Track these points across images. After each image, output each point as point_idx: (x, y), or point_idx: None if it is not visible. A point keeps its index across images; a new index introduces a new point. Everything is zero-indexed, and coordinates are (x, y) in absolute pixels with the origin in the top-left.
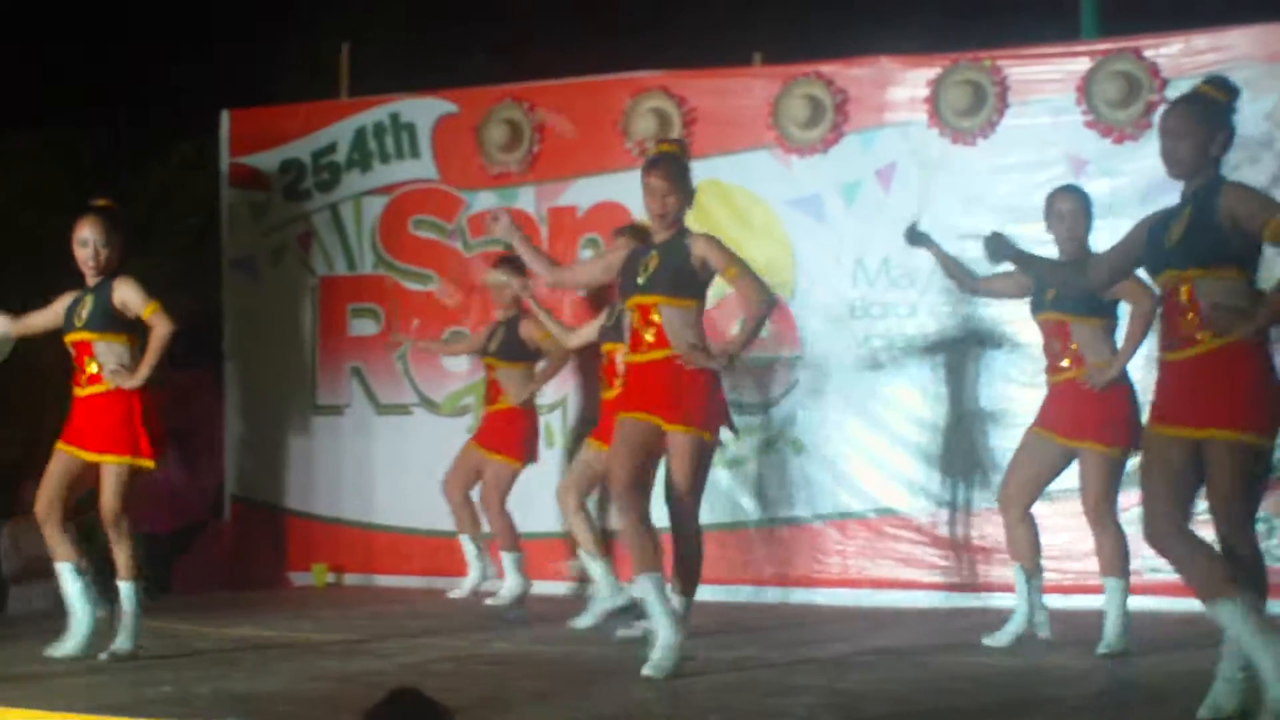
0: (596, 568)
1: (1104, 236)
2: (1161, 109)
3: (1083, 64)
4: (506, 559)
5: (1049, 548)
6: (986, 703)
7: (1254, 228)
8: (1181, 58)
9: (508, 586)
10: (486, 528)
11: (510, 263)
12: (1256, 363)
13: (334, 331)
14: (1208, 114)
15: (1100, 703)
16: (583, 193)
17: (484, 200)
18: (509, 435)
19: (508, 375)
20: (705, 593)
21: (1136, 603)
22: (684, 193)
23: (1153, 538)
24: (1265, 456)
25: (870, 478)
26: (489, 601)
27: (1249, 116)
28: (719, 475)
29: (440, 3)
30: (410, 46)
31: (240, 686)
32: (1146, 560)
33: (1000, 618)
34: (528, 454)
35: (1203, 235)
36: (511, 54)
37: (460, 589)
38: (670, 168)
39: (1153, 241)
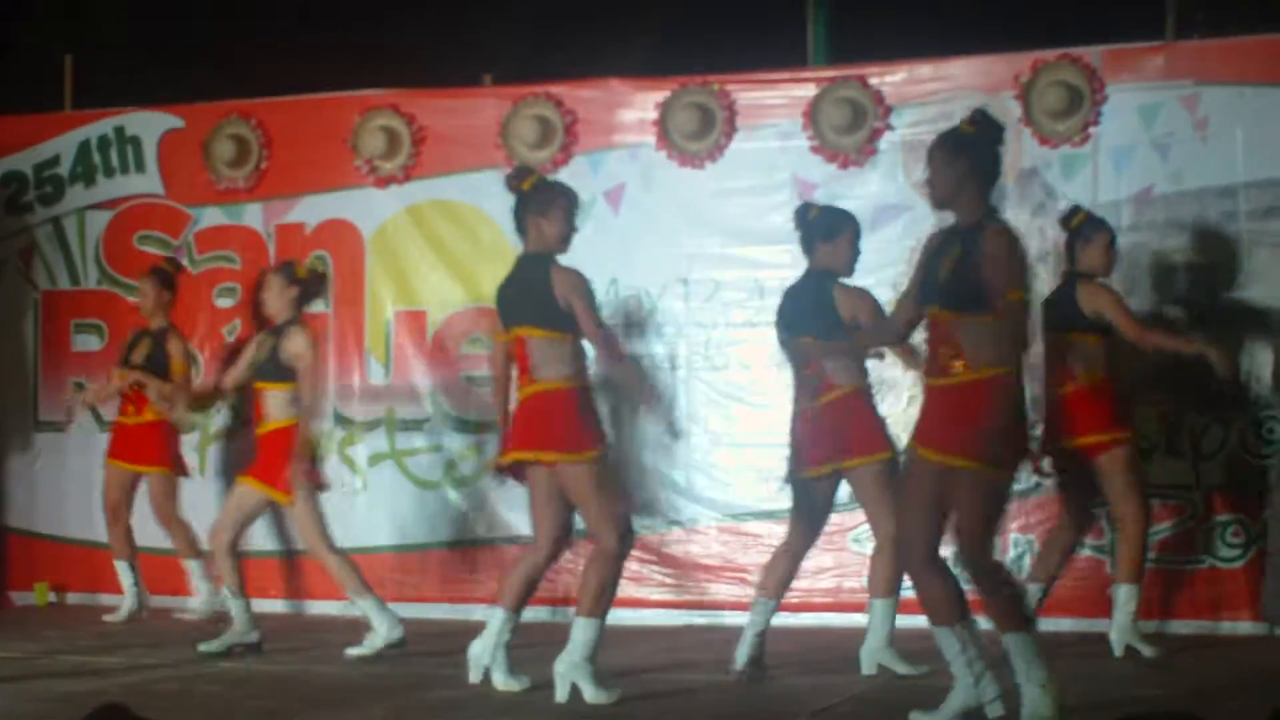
0: (236, 605)
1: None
2: (886, 135)
3: (809, 90)
4: (193, 567)
5: None
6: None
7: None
8: (905, 86)
9: (201, 597)
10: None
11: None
12: (1004, 398)
13: (56, 347)
14: (961, 148)
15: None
16: (311, 210)
17: (211, 216)
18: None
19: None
20: (434, 610)
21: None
22: None
23: (902, 558)
24: (1004, 487)
25: None
26: (180, 615)
27: None
28: (449, 495)
29: (168, 16)
30: (136, 59)
31: None
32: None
33: (730, 635)
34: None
35: (963, 283)
36: (240, 69)
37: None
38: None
39: (927, 270)
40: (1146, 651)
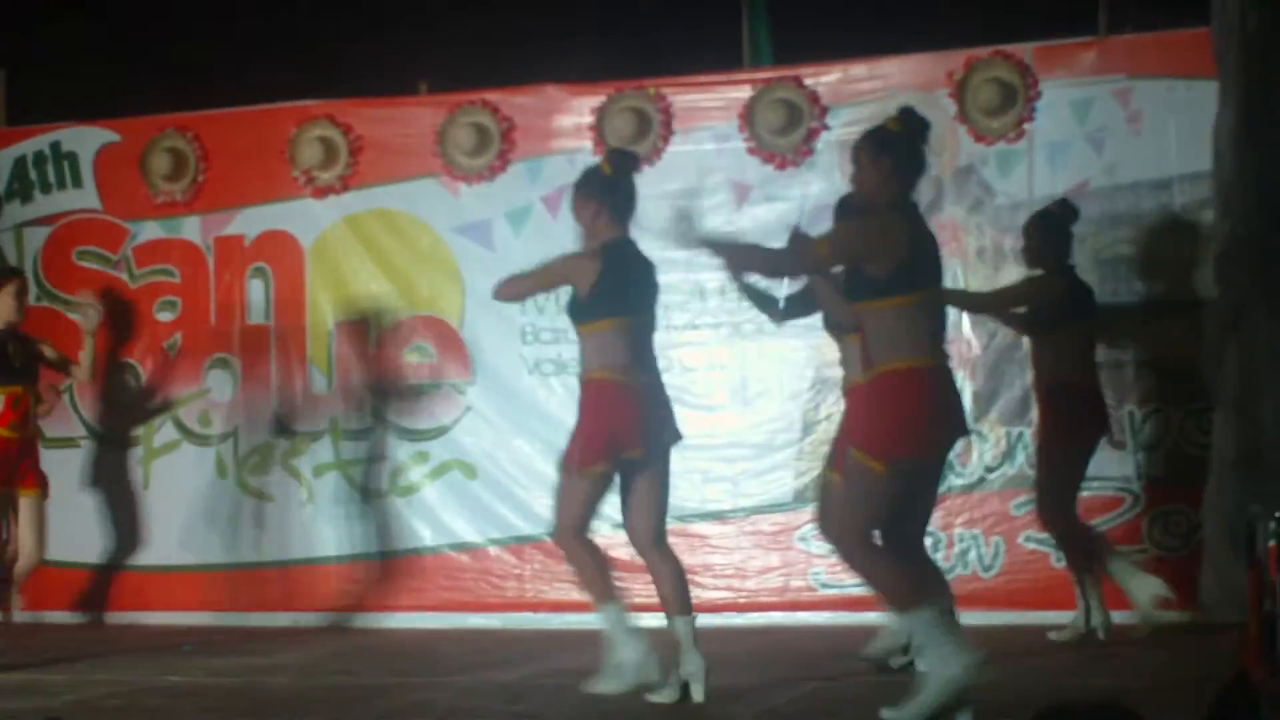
0: None
1: None
2: (823, 135)
3: (745, 92)
4: None
5: (723, 567)
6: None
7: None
8: (840, 85)
9: None
10: None
11: None
12: (906, 391)
13: None
14: (885, 146)
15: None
16: (250, 222)
17: (149, 230)
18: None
19: None
20: (382, 620)
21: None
22: None
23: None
24: (892, 479)
25: (544, 501)
26: None
27: None
28: (398, 502)
29: (103, 32)
30: (72, 75)
31: None
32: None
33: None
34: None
35: (856, 272)
36: (174, 82)
37: None
38: None
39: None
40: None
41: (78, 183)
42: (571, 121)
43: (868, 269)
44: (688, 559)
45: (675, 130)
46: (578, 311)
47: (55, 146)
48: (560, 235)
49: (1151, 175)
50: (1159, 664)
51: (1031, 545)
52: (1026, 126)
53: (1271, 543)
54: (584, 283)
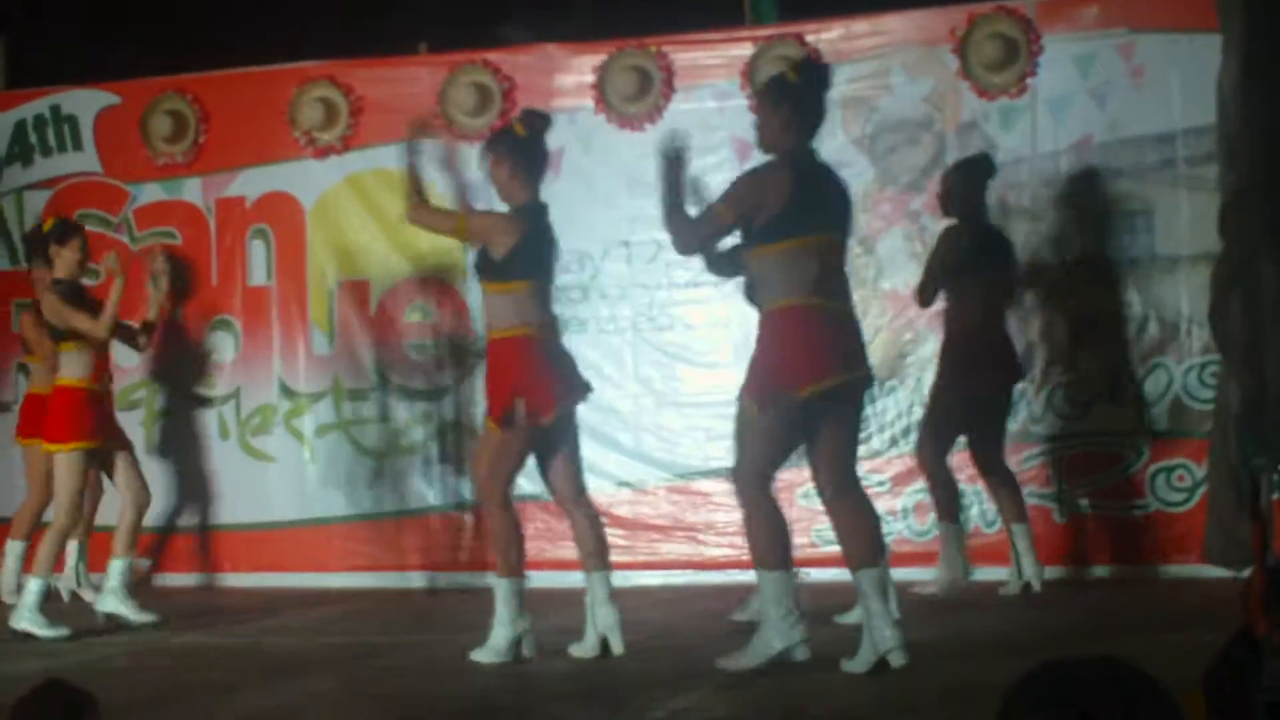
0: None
1: None
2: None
3: (746, 49)
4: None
5: (726, 524)
6: (659, 675)
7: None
8: (842, 42)
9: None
10: None
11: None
12: (778, 331)
13: None
14: (783, 95)
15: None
16: (250, 183)
17: (150, 192)
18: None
19: None
20: (385, 580)
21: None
22: None
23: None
24: (769, 419)
25: None
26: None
27: (907, 99)
28: (401, 462)
29: None
30: (71, 38)
31: None
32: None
33: (679, 594)
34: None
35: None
36: (175, 44)
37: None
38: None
39: None
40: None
41: (78, 146)
42: (572, 80)
43: (756, 219)
44: (690, 517)
45: (677, 88)
46: (492, 270)
47: (55, 109)
48: (563, 193)
49: (1155, 129)
50: (1163, 614)
51: (1034, 500)
52: (1029, 82)
53: (1276, 495)
54: (502, 244)
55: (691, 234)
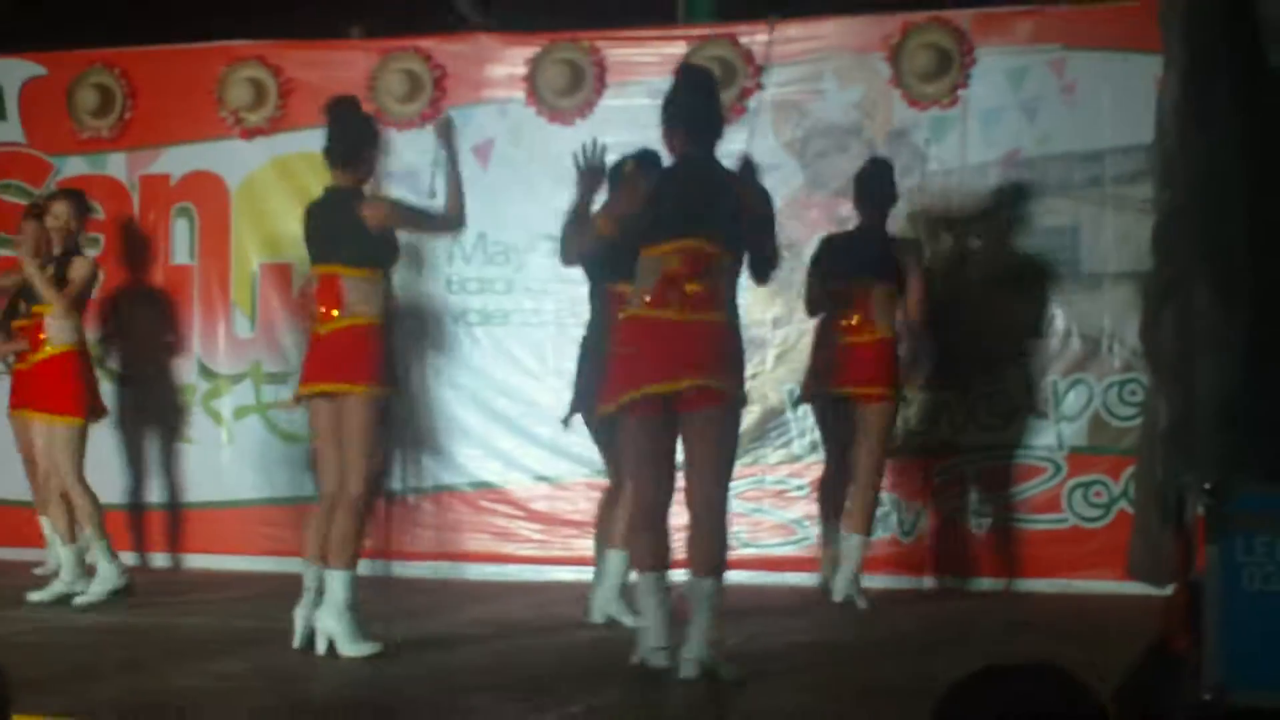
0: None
1: None
2: (756, 94)
3: (679, 48)
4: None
5: None
6: (573, 671)
7: None
8: (775, 45)
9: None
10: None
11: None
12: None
13: None
14: (663, 106)
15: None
16: (176, 161)
17: (74, 166)
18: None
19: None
20: (289, 566)
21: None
22: None
23: None
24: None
25: (465, 452)
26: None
27: (838, 105)
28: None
29: None
30: None
31: None
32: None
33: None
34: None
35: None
36: (104, 17)
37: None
38: None
39: None
40: (862, 603)
41: (2, 115)
42: (504, 71)
43: (635, 225)
44: None
45: (609, 84)
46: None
47: None
48: (490, 185)
49: (1083, 146)
50: (1081, 628)
51: (951, 512)
52: (961, 93)
53: (1200, 512)
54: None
55: (577, 244)
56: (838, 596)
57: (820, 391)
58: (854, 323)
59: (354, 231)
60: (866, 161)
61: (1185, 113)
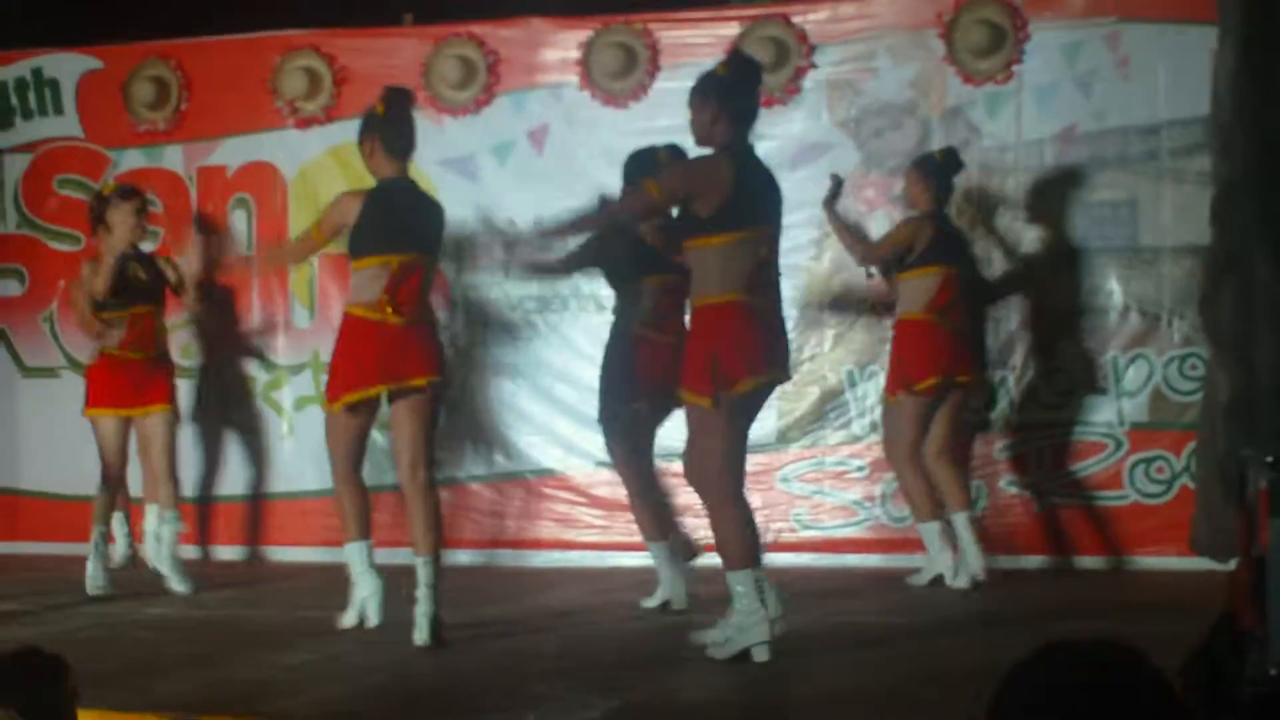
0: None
1: None
2: (810, 74)
3: (733, 29)
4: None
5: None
6: (637, 658)
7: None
8: (828, 24)
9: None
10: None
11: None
12: (716, 326)
13: None
14: (710, 90)
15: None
16: (232, 152)
17: (131, 159)
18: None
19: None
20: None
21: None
22: None
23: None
24: (727, 412)
25: (527, 439)
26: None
27: (893, 83)
28: (375, 438)
29: None
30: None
31: None
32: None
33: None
34: None
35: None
36: (159, 10)
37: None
38: None
39: None
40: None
41: (59, 110)
42: (557, 55)
43: (694, 209)
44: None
45: (662, 66)
46: (348, 247)
47: (37, 73)
48: (545, 170)
49: (1140, 120)
50: (1144, 603)
51: (1012, 490)
52: (1015, 68)
53: (1263, 486)
54: (352, 221)
55: (622, 211)
56: (962, 581)
57: (945, 381)
58: (952, 310)
59: (440, 224)
60: (942, 151)
61: (1242, 84)
